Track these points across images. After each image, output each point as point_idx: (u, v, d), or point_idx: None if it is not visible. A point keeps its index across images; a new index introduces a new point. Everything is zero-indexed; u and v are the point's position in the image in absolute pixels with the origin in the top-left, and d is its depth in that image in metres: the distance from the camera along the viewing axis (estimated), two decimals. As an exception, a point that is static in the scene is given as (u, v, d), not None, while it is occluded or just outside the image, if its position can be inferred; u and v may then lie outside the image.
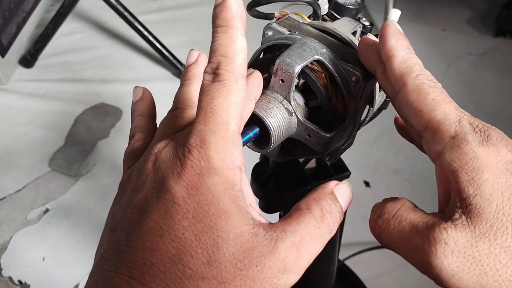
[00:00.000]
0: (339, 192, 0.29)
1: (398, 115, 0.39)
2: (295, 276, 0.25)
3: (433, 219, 0.26)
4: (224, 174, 0.25)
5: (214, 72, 0.26)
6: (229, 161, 0.25)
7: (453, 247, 0.25)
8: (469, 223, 0.25)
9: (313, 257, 0.26)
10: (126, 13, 1.21)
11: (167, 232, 0.24)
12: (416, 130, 0.29)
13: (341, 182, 0.30)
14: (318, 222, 0.26)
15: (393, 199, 0.29)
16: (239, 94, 0.26)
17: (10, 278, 0.84)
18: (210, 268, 0.23)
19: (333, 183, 0.29)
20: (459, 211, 0.25)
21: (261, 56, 0.38)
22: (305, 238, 0.25)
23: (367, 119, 0.40)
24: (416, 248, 0.26)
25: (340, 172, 0.49)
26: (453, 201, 0.26)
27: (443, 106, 0.27)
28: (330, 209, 0.27)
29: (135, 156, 0.30)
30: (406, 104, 0.28)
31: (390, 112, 0.41)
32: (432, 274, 0.26)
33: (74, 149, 1.07)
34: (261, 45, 0.37)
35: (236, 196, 0.25)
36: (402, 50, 0.29)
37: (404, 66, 0.29)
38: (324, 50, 0.35)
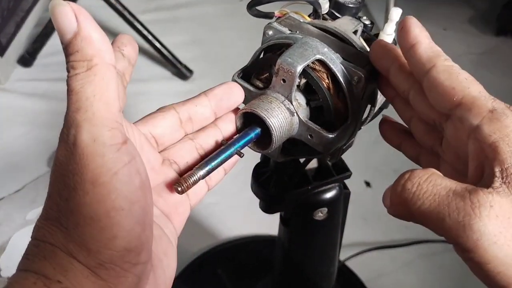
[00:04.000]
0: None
1: (384, 119, 0.39)
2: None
3: (470, 186, 0.26)
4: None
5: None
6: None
7: (498, 211, 0.24)
8: (510, 191, 0.25)
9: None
10: (125, 13, 1.20)
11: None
12: (443, 110, 0.30)
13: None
14: None
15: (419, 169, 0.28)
16: None
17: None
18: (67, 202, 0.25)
19: None
20: (499, 180, 0.25)
21: (262, 56, 0.38)
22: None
23: (369, 118, 0.40)
24: (455, 211, 0.25)
25: (341, 172, 0.49)
26: (490, 173, 0.26)
27: (476, 85, 0.29)
28: None
29: None
30: (436, 84, 0.30)
31: (390, 112, 0.41)
32: (469, 241, 0.24)
33: (74, 149, 1.07)
34: (262, 45, 0.37)
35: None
36: (427, 38, 0.31)
37: (432, 50, 0.31)
38: (326, 49, 0.34)
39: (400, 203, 0.27)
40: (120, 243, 0.25)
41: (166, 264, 0.31)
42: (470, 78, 0.29)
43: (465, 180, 0.27)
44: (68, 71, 0.26)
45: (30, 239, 0.27)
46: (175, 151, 0.34)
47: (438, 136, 0.33)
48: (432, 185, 0.26)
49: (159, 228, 0.31)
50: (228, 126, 0.35)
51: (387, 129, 0.38)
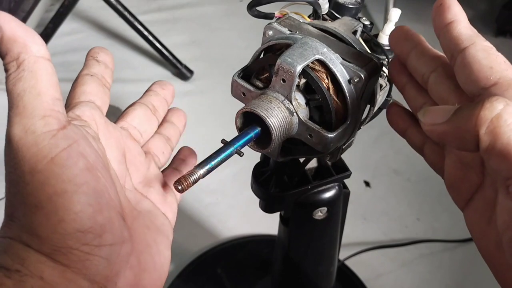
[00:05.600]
0: None
1: (393, 103, 0.38)
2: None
3: None
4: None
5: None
6: None
7: None
8: None
9: None
10: (126, 13, 1.21)
11: None
12: (473, 89, 0.29)
13: None
14: None
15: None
16: None
17: (10, 278, 0.84)
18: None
19: None
20: None
21: (262, 56, 0.38)
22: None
23: (368, 118, 0.40)
24: None
25: (341, 171, 0.49)
26: None
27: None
28: None
29: None
30: (473, 61, 0.29)
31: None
32: None
33: (74, 149, 1.07)
34: (262, 45, 0.37)
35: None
36: (466, 18, 0.31)
37: (472, 29, 0.30)
38: (325, 49, 0.35)
39: (474, 127, 0.25)
40: (70, 226, 0.26)
41: (155, 250, 0.32)
42: (508, 62, 0.29)
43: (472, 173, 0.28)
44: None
45: None
46: (152, 144, 0.38)
47: None
48: None
49: (148, 217, 0.33)
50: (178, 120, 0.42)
51: (395, 113, 0.37)
